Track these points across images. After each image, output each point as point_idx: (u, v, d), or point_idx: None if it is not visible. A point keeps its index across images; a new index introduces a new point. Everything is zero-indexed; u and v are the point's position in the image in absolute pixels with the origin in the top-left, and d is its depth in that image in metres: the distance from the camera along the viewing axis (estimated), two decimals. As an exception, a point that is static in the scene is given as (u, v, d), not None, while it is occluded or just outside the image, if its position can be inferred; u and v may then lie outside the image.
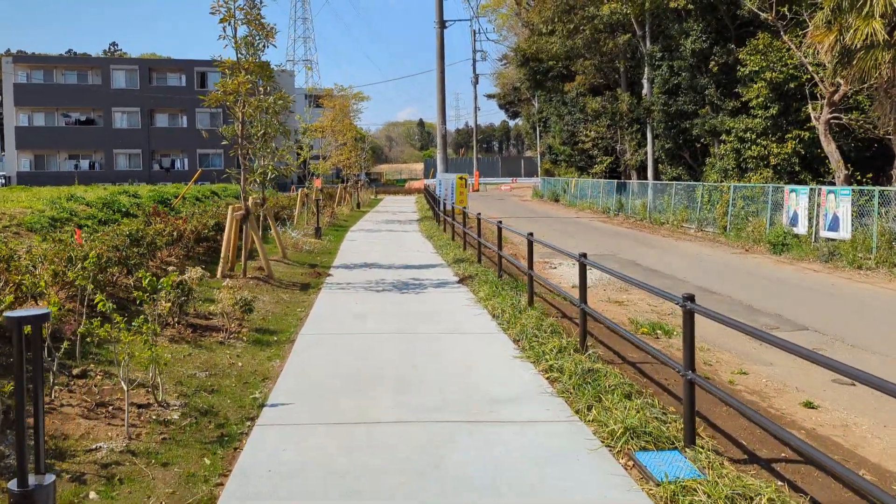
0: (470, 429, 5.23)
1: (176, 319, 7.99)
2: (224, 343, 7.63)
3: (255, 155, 12.10)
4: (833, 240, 17.29)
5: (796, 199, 19.09)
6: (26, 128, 59.01)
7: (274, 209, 21.52)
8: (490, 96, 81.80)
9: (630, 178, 36.51)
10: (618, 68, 39.15)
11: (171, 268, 8.18)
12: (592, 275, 15.13)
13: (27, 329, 3.00)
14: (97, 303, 5.36)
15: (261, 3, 11.57)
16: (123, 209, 17.02)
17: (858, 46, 15.18)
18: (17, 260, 6.86)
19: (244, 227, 11.82)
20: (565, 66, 42.67)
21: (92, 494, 4.13)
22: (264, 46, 12.15)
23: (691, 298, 4.74)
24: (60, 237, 10.27)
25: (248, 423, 5.37)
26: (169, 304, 7.32)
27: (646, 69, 32.46)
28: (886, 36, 14.63)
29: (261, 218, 14.59)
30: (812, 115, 18.35)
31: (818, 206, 18.06)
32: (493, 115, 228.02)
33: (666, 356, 5.72)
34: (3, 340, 5.71)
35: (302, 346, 7.76)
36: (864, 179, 18.96)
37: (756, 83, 21.65)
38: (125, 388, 5.02)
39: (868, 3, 14.88)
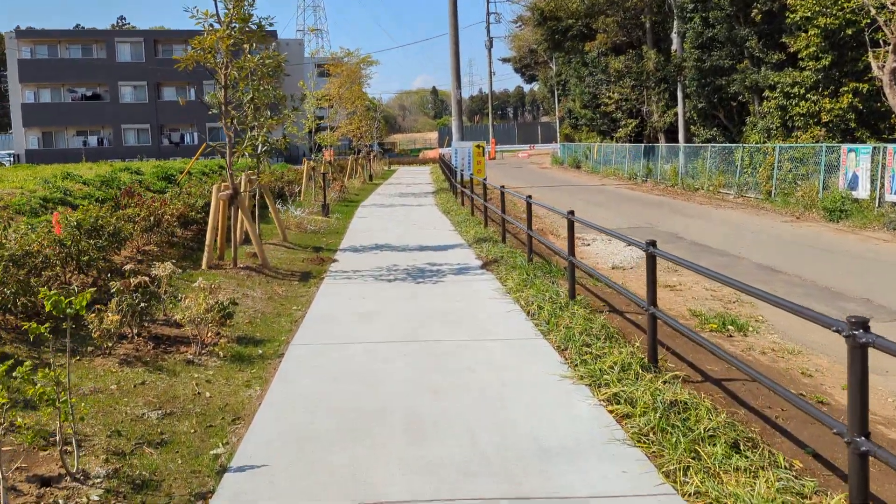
0: (516, 510, 3.62)
1: (135, 331, 6.41)
2: (193, 362, 6.05)
3: (240, 125, 10.42)
4: (902, 205, 15.36)
5: (856, 160, 17.07)
6: (33, 104, 57.62)
7: (278, 185, 19.89)
8: (505, 60, 78.96)
9: (657, 142, 34.36)
10: (643, 24, 36.68)
11: (128, 266, 6.57)
12: (633, 252, 13.40)
13: None
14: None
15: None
16: (123, 187, 15.53)
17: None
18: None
19: (232, 208, 10.19)
20: (585, 25, 40.23)
21: None
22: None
23: (864, 325, 3.03)
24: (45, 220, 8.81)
25: None
26: (118, 317, 5.72)
27: (675, 23, 30.08)
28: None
29: (256, 196, 12.96)
30: (874, 65, 16.22)
31: (883, 166, 16.06)
32: (506, 81, 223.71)
33: (774, 383, 4.04)
34: None
35: (291, 364, 6.16)
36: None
37: (807, 31, 19.42)
38: None
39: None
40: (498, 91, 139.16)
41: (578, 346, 6.16)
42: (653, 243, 5.57)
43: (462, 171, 23.61)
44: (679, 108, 30.28)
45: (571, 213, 8.27)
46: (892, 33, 15.49)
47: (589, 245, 14.22)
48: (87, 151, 53.84)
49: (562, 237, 15.77)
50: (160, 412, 4.92)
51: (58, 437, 3.82)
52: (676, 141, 32.73)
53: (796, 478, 3.74)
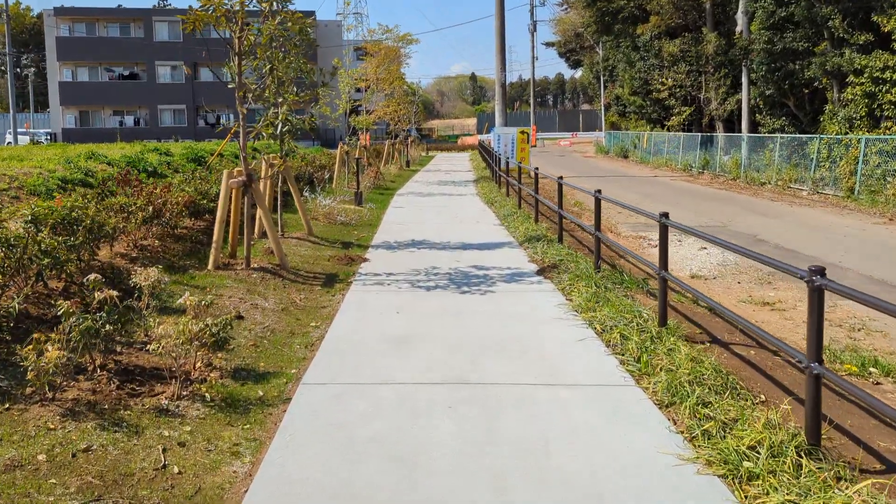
0: None
1: (98, 362, 4.89)
2: (168, 410, 4.49)
3: (260, 101, 8.86)
4: None
5: (964, 156, 14.87)
6: (70, 83, 57.25)
7: (308, 170, 18.39)
8: (549, 44, 76.35)
9: (715, 131, 32.06)
10: (701, 4, 34.29)
11: (91, 276, 5.03)
12: (711, 256, 11.57)
13: None
14: None
15: None
16: (150, 168, 14.17)
17: None
18: None
19: (246, 197, 8.65)
20: (637, 6, 37.92)
21: None
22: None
23: None
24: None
25: None
26: (63, 353, 4.19)
27: (741, 2, 27.71)
28: None
29: (279, 183, 11.43)
30: None
31: None
32: (547, 68, 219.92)
33: None
34: None
35: (297, 419, 4.55)
36: None
37: (905, 8, 17.16)
38: None
39: None
40: (538, 78, 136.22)
41: (692, 407, 4.44)
42: (821, 271, 3.81)
43: (506, 158, 21.89)
44: (743, 95, 27.98)
45: (665, 215, 6.53)
46: None
47: (656, 246, 12.39)
48: (123, 131, 53.20)
49: (623, 235, 13.96)
50: (98, 505, 3.36)
51: None
52: (735, 130, 30.46)
53: None
